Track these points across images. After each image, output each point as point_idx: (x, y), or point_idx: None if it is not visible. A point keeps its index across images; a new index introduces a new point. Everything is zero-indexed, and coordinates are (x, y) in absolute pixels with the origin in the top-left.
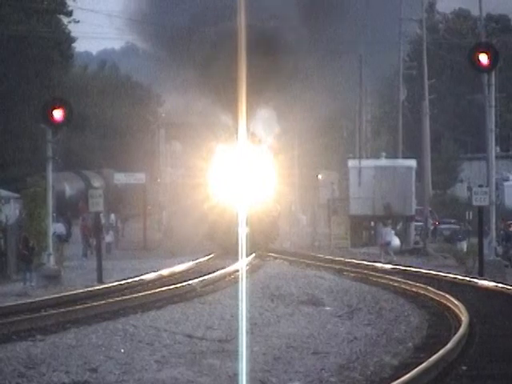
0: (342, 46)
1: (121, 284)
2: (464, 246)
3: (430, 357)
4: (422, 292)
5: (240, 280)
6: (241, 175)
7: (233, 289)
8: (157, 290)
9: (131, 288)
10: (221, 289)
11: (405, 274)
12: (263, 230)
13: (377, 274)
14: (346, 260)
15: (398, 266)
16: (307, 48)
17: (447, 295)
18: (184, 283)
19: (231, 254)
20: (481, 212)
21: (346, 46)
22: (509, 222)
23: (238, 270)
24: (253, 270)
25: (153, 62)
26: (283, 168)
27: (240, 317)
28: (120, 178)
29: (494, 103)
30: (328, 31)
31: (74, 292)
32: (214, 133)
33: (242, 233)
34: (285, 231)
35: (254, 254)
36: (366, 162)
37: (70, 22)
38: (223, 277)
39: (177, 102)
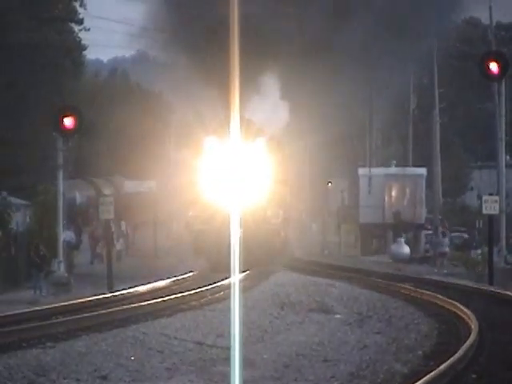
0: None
1: (130, 292)
2: (478, 253)
3: (439, 365)
4: (432, 300)
5: (232, 295)
6: (231, 174)
7: (242, 297)
8: (166, 298)
9: (141, 295)
10: (230, 297)
11: (415, 281)
12: (260, 240)
13: (387, 281)
14: (355, 267)
15: (406, 274)
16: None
17: (457, 303)
18: (193, 291)
19: (220, 269)
20: (491, 220)
21: (357, 54)
22: None
23: (247, 279)
24: (262, 277)
25: (164, 69)
26: (289, 166)
27: (233, 328)
28: (130, 186)
29: (504, 112)
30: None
31: (84, 299)
32: (203, 125)
33: (234, 244)
34: (294, 239)
35: (247, 272)
36: (376, 170)
37: (81, 30)
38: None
39: (187, 109)
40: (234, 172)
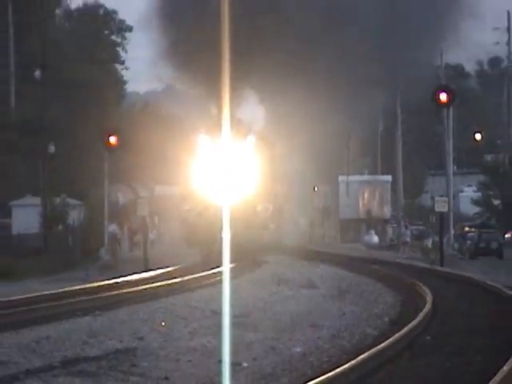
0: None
1: (162, 272)
2: (429, 242)
3: (401, 329)
4: (396, 278)
5: (224, 281)
6: (222, 170)
7: (249, 276)
8: (190, 277)
9: (170, 275)
10: (239, 276)
11: (383, 264)
12: (250, 233)
13: (360, 264)
14: (336, 253)
15: (376, 258)
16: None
17: (415, 280)
18: (208, 272)
19: (211, 261)
20: (441, 216)
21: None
22: (463, 225)
23: (248, 264)
24: (263, 261)
25: (187, 99)
26: (279, 164)
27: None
28: (160, 190)
29: (451, 133)
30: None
31: (126, 278)
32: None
33: (225, 237)
34: (286, 231)
35: (234, 264)
36: (352, 178)
37: (122, 69)
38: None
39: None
40: (225, 168)
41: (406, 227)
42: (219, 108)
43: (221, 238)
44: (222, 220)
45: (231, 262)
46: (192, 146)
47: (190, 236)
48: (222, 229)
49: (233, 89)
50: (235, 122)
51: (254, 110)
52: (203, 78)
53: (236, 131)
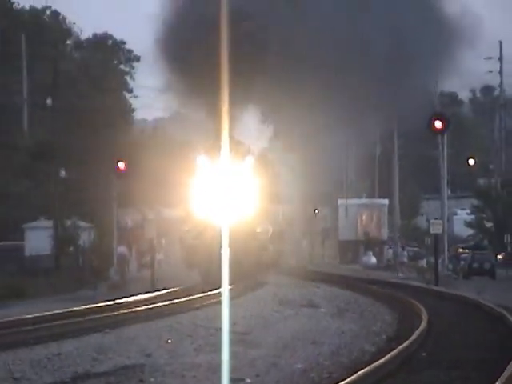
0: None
1: (169, 292)
2: (424, 262)
3: (398, 346)
4: (393, 297)
5: (223, 302)
6: (222, 191)
7: (250, 296)
8: (195, 296)
9: (175, 294)
10: (241, 295)
11: (380, 283)
12: (249, 255)
13: (359, 284)
14: (335, 273)
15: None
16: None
17: (411, 299)
18: (213, 292)
19: (211, 282)
20: (436, 238)
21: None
22: (457, 246)
23: (253, 283)
24: (264, 281)
25: (194, 125)
26: (279, 185)
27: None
28: (167, 213)
29: (446, 157)
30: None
31: (134, 298)
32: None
33: (224, 258)
34: (288, 252)
35: (231, 286)
36: (351, 201)
37: (131, 97)
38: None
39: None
40: (224, 190)
41: (403, 248)
42: (218, 129)
43: (220, 259)
44: (220, 241)
45: (232, 283)
46: (192, 167)
47: (189, 257)
48: (220, 250)
49: (232, 109)
50: (234, 143)
51: (253, 130)
52: (204, 100)
53: (235, 152)
